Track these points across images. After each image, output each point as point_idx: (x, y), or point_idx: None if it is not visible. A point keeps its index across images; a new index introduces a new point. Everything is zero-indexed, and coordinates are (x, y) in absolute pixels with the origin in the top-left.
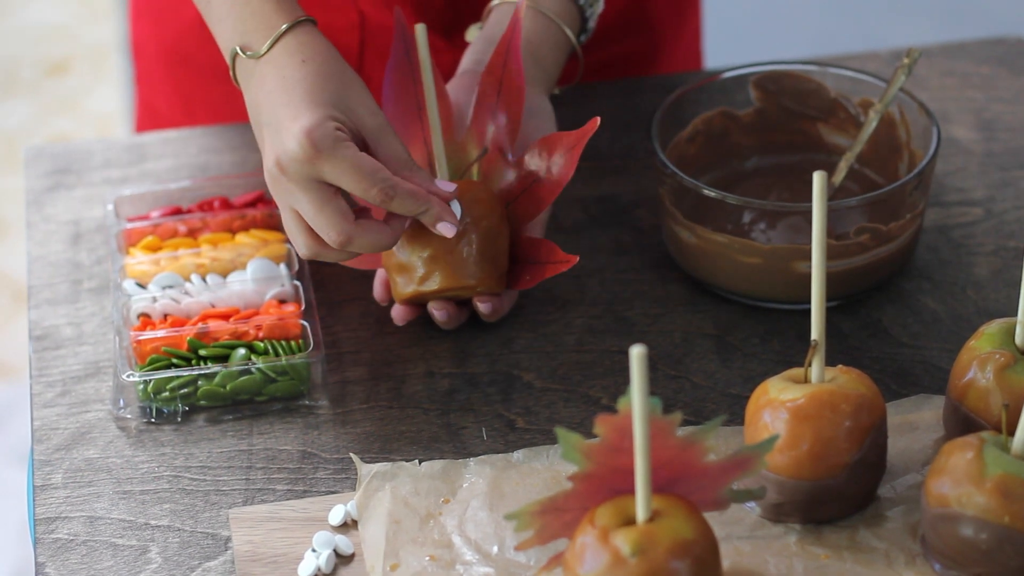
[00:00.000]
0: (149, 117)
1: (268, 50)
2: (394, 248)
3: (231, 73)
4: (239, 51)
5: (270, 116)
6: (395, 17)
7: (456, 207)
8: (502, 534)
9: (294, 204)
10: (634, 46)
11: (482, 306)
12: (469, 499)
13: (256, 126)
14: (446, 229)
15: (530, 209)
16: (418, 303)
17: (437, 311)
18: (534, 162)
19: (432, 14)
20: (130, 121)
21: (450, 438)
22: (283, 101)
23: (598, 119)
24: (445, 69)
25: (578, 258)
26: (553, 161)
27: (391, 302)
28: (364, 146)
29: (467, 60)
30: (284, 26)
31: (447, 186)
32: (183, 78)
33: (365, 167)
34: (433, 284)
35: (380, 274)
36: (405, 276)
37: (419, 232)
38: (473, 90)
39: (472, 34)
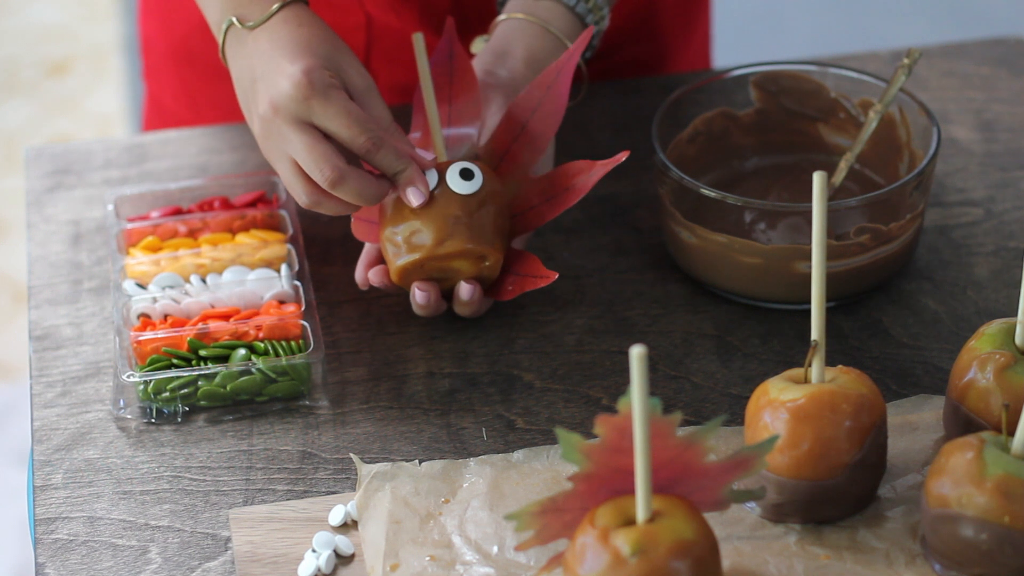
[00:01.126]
0: (157, 113)
1: (264, 21)
2: (409, 210)
3: (220, 47)
4: (234, 21)
5: (264, 68)
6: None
7: (432, 176)
8: (502, 534)
9: (287, 148)
10: (641, 54)
11: (465, 287)
12: (469, 499)
13: (245, 91)
14: (415, 195)
15: (526, 225)
16: (411, 278)
17: (420, 291)
18: (551, 185)
19: (438, 17)
20: (131, 120)
21: (450, 438)
22: (279, 53)
23: (627, 152)
24: None
25: (557, 275)
26: (568, 186)
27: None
28: None
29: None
30: (278, 4)
31: (426, 155)
32: (189, 75)
33: (355, 114)
34: (452, 245)
35: (363, 256)
36: (418, 237)
37: (441, 196)
38: (483, 99)
39: (478, 46)
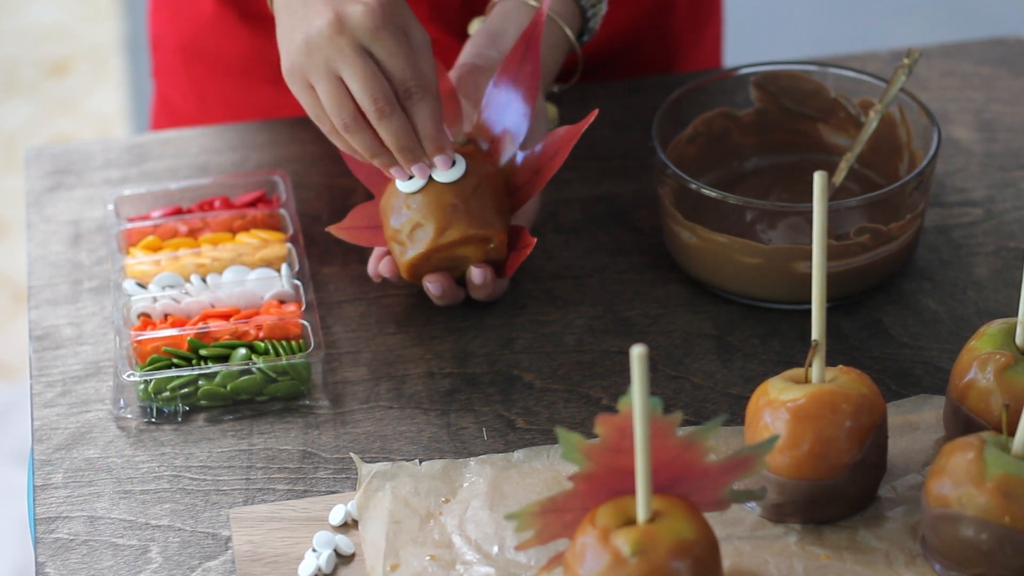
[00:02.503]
0: (165, 111)
1: None
2: (407, 206)
3: None
4: None
5: None
6: None
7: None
8: (502, 534)
9: (339, 68)
10: (654, 53)
11: (476, 271)
12: (469, 499)
13: (292, 5)
14: (397, 172)
15: (520, 200)
16: (420, 272)
17: (432, 284)
18: (534, 157)
19: (449, 14)
20: (131, 120)
21: (450, 438)
22: None
23: (596, 111)
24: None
25: (536, 240)
26: (548, 154)
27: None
28: None
29: (466, 53)
30: None
31: (444, 161)
32: (199, 73)
33: (415, 59)
34: (453, 233)
35: (377, 250)
36: (420, 231)
37: (435, 187)
38: (471, 81)
39: (474, 27)
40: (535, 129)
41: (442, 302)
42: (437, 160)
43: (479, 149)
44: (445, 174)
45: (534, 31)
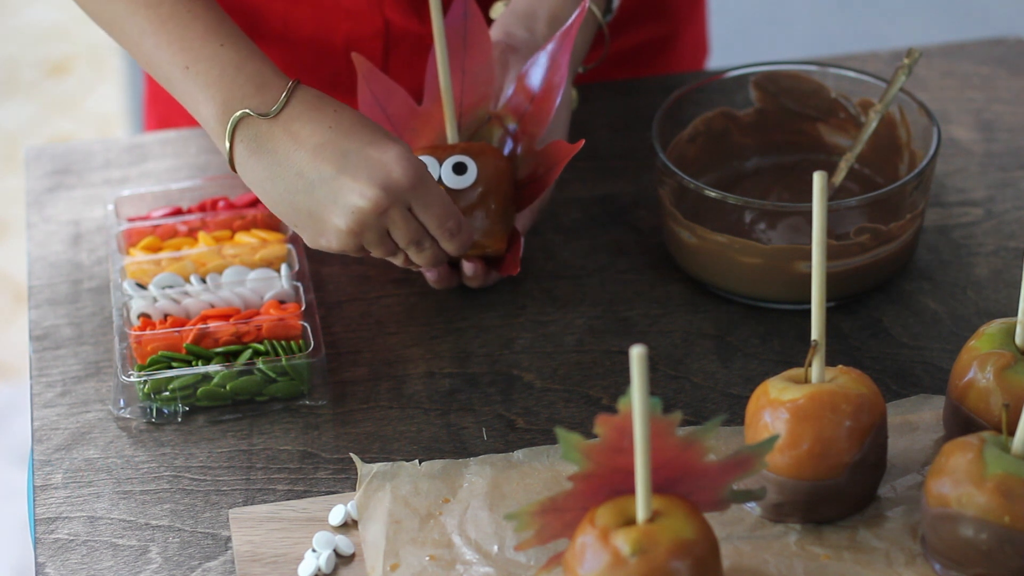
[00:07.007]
0: (158, 113)
1: (284, 107)
2: None
3: (226, 149)
4: (251, 112)
5: (342, 163)
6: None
7: (434, 167)
8: (502, 534)
9: (394, 232)
10: (655, 32)
11: (468, 266)
12: (469, 499)
13: (299, 191)
14: (471, 269)
15: (529, 198)
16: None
17: (429, 271)
18: (546, 159)
19: (424, 8)
20: (131, 120)
21: (450, 438)
22: (356, 143)
23: (583, 141)
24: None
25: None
26: (546, 164)
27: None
28: None
29: (496, 33)
30: (292, 82)
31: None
32: None
33: (447, 199)
34: None
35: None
36: None
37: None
38: (502, 61)
39: (497, 11)
40: (558, 118)
41: (438, 286)
42: (469, 266)
43: (491, 146)
44: (455, 179)
45: (574, 23)
